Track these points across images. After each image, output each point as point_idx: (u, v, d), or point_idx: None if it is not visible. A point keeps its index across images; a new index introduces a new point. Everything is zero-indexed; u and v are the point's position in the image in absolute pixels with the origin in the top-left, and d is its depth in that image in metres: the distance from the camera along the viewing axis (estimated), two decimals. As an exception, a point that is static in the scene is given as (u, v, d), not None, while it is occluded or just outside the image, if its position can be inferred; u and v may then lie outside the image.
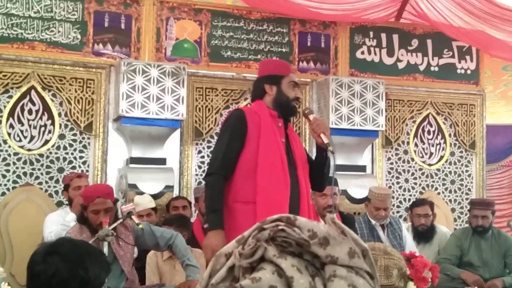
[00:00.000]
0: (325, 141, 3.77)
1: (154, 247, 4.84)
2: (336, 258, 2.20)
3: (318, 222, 2.37)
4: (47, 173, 6.14)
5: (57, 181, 6.15)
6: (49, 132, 6.18)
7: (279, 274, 2.16)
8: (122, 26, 6.46)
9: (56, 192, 6.14)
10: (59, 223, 5.20)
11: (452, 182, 7.62)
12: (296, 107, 3.92)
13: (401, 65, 7.51)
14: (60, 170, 6.17)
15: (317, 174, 3.91)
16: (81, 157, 6.24)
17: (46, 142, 6.16)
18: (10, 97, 6.08)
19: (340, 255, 2.21)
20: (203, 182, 3.74)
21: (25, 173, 6.07)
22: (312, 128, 3.83)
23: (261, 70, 3.96)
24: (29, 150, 6.10)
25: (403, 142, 7.46)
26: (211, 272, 2.33)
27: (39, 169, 6.12)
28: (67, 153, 6.21)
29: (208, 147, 6.66)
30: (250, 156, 3.67)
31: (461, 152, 7.69)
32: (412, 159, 7.49)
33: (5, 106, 6.05)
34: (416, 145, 7.52)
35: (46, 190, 6.12)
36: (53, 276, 2.07)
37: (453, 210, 7.58)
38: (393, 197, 7.16)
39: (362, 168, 7.00)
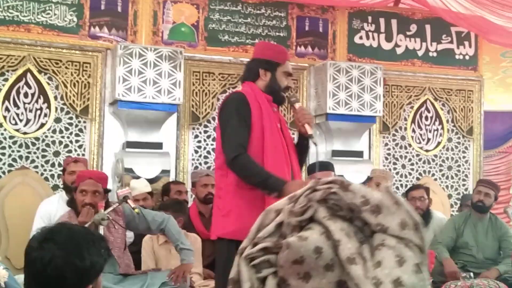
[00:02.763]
0: (309, 132, 3.75)
1: (146, 230, 4.84)
2: (387, 227, 2.19)
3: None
4: (43, 156, 6.12)
5: (52, 165, 6.13)
6: (45, 115, 6.15)
7: (326, 236, 2.15)
8: (119, 9, 6.41)
9: (52, 176, 6.12)
10: (49, 216, 5.19)
11: (449, 168, 7.61)
12: (285, 96, 3.86)
13: (399, 50, 7.48)
14: (56, 153, 6.15)
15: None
16: (77, 141, 6.22)
17: (42, 125, 6.13)
18: (6, 80, 6.04)
19: (391, 224, 2.19)
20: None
21: (20, 157, 6.05)
22: (297, 117, 3.79)
23: (258, 52, 3.89)
24: (24, 133, 6.08)
25: (400, 127, 7.45)
26: (259, 226, 2.31)
27: (34, 153, 6.09)
28: (63, 137, 6.18)
29: (205, 132, 6.64)
30: (256, 141, 3.61)
31: (459, 138, 7.67)
32: (410, 145, 7.48)
33: (0, 89, 6.01)
34: (413, 131, 7.50)
35: (41, 174, 6.10)
36: (49, 264, 2.05)
37: (449, 196, 7.58)
38: (390, 183, 7.17)
39: (359, 154, 6.98)
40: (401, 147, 7.45)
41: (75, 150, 6.19)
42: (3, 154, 5.99)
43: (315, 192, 2.24)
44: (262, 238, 2.25)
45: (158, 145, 6.28)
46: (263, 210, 3.45)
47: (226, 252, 3.48)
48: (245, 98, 3.65)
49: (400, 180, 7.39)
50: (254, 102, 3.65)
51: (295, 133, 4.63)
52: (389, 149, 7.39)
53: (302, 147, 3.89)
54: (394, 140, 7.42)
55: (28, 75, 6.11)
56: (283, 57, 3.85)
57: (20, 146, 6.05)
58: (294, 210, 2.22)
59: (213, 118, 6.59)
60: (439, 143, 7.60)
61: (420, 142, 7.52)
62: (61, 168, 5.95)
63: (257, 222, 2.33)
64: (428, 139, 7.56)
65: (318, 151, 3.80)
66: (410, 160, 7.47)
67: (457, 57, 7.70)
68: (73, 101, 6.21)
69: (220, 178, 3.64)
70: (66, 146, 6.18)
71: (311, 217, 2.20)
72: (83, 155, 6.16)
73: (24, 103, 6.08)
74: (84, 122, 6.26)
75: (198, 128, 6.67)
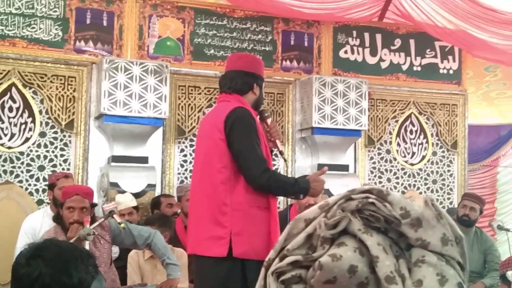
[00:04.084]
0: (280, 148, 3.83)
1: (132, 245, 4.81)
2: (428, 242, 2.06)
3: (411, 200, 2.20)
4: (28, 171, 6.08)
5: (37, 179, 6.09)
6: (30, 129, 6.11)
7: (361, 252, 2.03)
8: (104, 23, 6.41)
9: (37, 191, 6.08)
10: (34, 232, 5.14)
11: (434, 181, 7.64)
12: (260, 111, 3.89)
13: (384, 65, 7.52)
14: (41, 168, 6.11)
15: None
16: (62, 155, 6.19)
17: (27, 140, 6.10)
18: (-10, 94, 6.02)
19: (432, 240, 2.06)
20: (266, 181, 3.50)
21: (5, 171, 6.00)
22: (270, 132, 3.82)
23: (250, 66, 3.82)
24: (9, 148, 6.04)
25: (385, 141, 7.47)
26: (287, 236, 2.17)
27: (19, 167, 6.05)
28: (48, 151, 6.15)
29: (191, 146, 6.62)
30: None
31: (443, 151, 7.71)
32: (395, 159, 7.50)
33: (-15, 103, 5.99)
34: (398, 144, 7.53)
35: (26, 188, 6.05)
36: (36, 281, 2.04)
37: (435, 209, 7.59)
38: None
39: (345, 168, 6.99)
40: (386, 161, 7.47)
41: (60, 165, 6.16)
42: (-13, 168, 5.96)
43: (349, 201, 2.11)
44: (291, 251, 2.12)
45: (144, 159, 6.26)
46: (268, 230, 3.50)
47: (226, 270, 3.45)
48: (251, 113, 3.65)
49: (385, 194, 7.39)
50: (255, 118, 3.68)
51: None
52: (374, 162, 7.41)
53: None
54: (379, 154, 7.44)
55: (13, 89, 6.08)
56: (263, 73, 3.92)
57: (5, 160, 6.01)
58: (328, 223, 2.06)
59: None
60: (424, 156, 7.63)
61: (405, 156, 7.56)
62: (46, 183, 5.92)
63: (285, 231, 2.18)
64: (413, 153, 7.59)
65: (287, 169, 3.84)
66: (395, 173, 7.50)
67: (441, 71, 7.76)
68: (58, 115, 6.18)
69: (225, 193, 3.53)
70: (51, 160, 6.15)
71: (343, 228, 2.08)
72: (68, 169, 6.13)
73: (9, 117, 6.05)
74: (69, 136, 6.23)
75: (184, 142, 6.66)
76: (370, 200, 2.12)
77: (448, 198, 7.67)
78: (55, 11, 6.22)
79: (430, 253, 2.08)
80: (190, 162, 6.59)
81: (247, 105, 3.72)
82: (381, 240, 2.08)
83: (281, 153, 3.83)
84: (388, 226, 2.12)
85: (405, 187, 7.53)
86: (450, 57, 7.79)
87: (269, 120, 3.87)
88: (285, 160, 3.92)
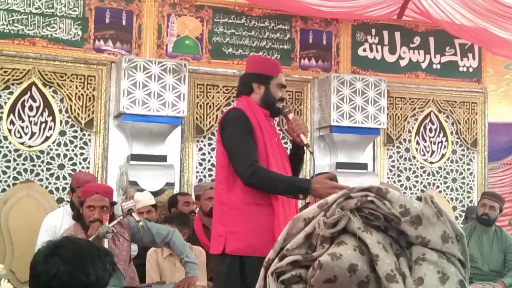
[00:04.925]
0: (305, 141, 3.77)
1: (151, 243, 4.84)
2: (428, 240, 2.05)
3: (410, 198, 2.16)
4: (48, 169, 6.13)
5: (57, 178, 6.13)
6: (50, 128, 6.16)
7: (361, 251, 2.02)
8: (123, 22, 6.44)
9: (57, 189, 6.13)
10: (54, 230, 5.18)
11: (454, 180, 7.60)
12: (280, 108, 3.83)
13: (403, 63, 7.49)
14: (61, 166, 6.16)
15: (292, 172, 3.84)
16: (81, 154, 6.23)
17: (47, 138, 6.15)
18: (11, 93, 6.06)
19: (432, 237, 2.06)
20: (250, 179, 3.48)
21: (25, 170, 6.06)
22: (292, 127, 3.78)
23: (251, 67, 3.86)
24: (29, 146, 6.09)
25: (404, 140, 7.45)
26: (286, 236, 2.16)
27: (39, 166, 6.10)
28: (67, 150, 6.19)
29: (209, 144, 6.64)
30: (260, 156, 3.58)
31: (463, 150, 7.67)
32: (414, 157, 7.47)
33: (5, 103, 6.03)
34: (417, 143, 7.50)
35: (46, 187, 6.10)
36: (53, 279, 2.05)
37: (454, 208, 7.56)
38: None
39: (364, 166, 6.98)
40: (405, 159, 7.44)
41: (80, 163, 6.20)
42: (8, 167, 6.01)
43: (348, 200, 2.10)
44: (290, 250, 2.09)
45: (163, 158, 6.28)
46: (269, 227, 3.49)
47: (227, 267, 3.49)
48: (245, 113, 3.63)
49: (404, 193, 7.37)
50: (252, 117, 3.64)
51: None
52: (393, 161, 7.39)
53: (297, 157, 3.88)
54: (398, 152, 7.41)
55: (33, 88, 6.13)
56: (275, 69, 3.84)
57: (25, 159, 6.06)
58: (327, 221, 2.05)
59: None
60: (443, 155, 7.59)
61: (424, 154, 7.52)
62: (66, 181, 5.98)
63: (284, 231, 2.16)
64: (433, 151, 7.56)
65: (314, 160, 3.82)
66: (414, 172, 7.47)
67: (460, 69, 7.71)
68: (78, 114, 6.22)
69: (222, 192, 3.60)
70: (70, 159, 6.19)
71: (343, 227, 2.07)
72: (88, 168, 6.17)
73: (29, 116, 6.10)
74: (89, 135, 6.27)
75: (202, 141, 6.68)
76: (369, 198, 2.11)
77: (468, 197, 7.63)
78: (75, 11, 6.27)
79: (431, 250, 2.06)
80: (209, 161, 6.62)
81: (253, 104, 3.72)
82: (381, 238, 2.07)
83: (307, 146, 3.77)
84: (388, 224, 2.10)
85: (425, 186, 7.50)
86: (470, 55, 7.74)
87: (290, 116, 3.84)
88: (311, 153, 3.87)
